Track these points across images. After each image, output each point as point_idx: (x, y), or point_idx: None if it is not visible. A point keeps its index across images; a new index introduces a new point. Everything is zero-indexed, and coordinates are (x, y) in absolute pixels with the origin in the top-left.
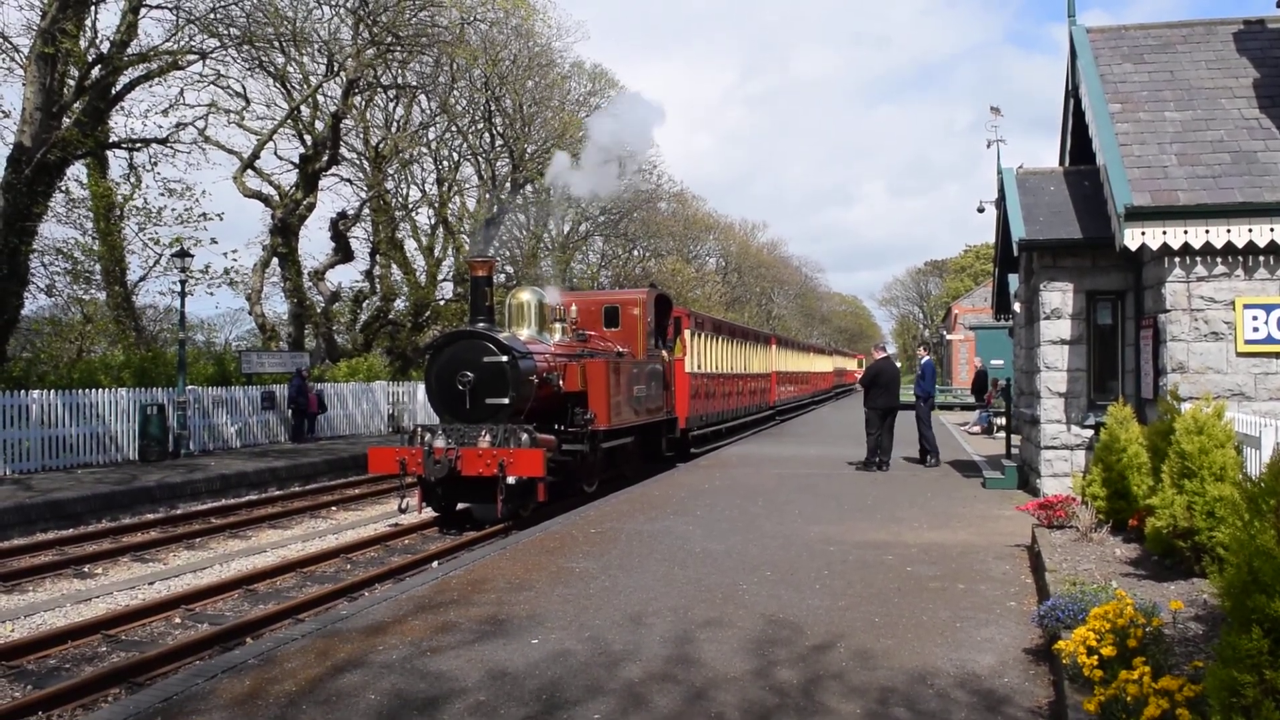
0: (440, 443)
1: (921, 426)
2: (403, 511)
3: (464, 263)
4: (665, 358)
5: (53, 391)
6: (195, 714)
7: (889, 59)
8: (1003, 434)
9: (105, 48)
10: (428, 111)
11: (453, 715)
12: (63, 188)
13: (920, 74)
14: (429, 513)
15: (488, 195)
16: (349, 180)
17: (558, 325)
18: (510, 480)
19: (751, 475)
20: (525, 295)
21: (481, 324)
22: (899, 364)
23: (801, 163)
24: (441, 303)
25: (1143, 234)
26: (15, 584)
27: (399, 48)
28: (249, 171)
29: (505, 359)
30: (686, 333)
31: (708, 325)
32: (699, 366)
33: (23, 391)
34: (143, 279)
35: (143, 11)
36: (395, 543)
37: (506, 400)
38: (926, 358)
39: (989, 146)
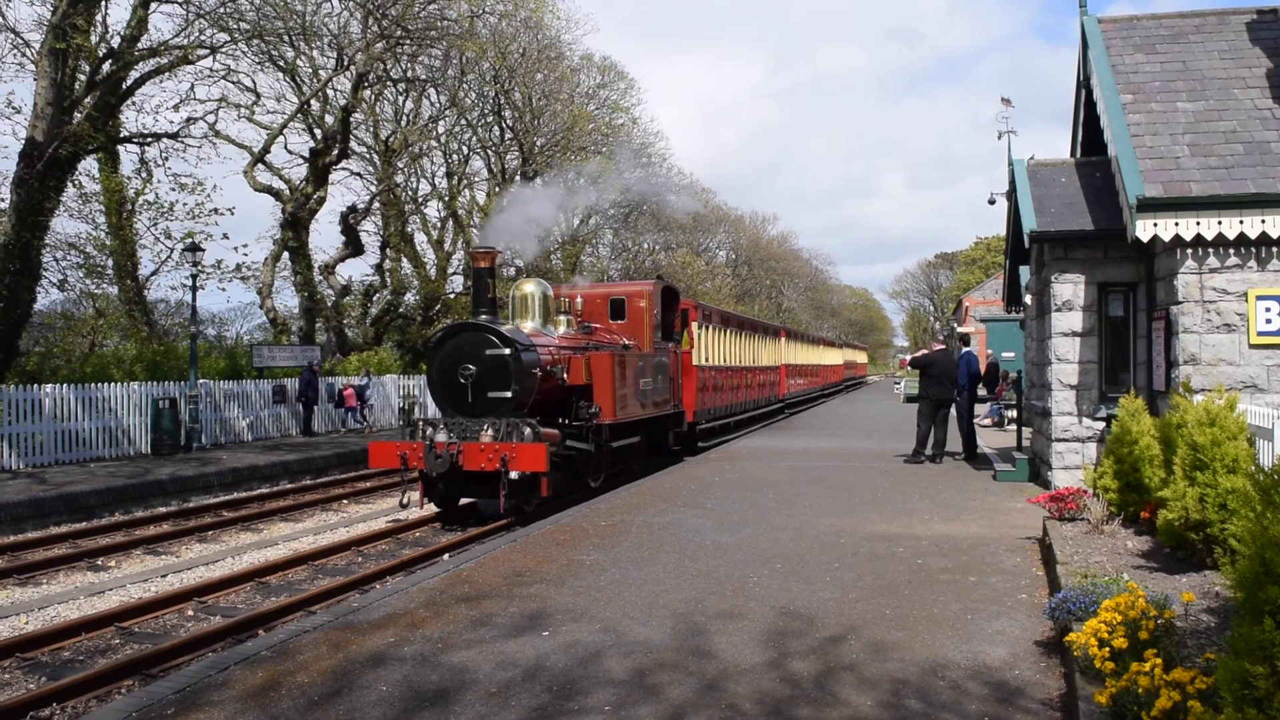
0: (441, 437)
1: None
2: (404, 507)
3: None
4: (673, 350)
5: (65, 385)
6: (210, 705)
7: (915, 53)
8: (1013, 426)
9: (116, 43)
10: (437, 105)
11: (466, 705)
12: (74, 182)
13: (945, 67)
14: (431, 508)
15: (497, 188)
16: (359, 174)
17: (562, 317)
18: (513, 475)
19: (761, 468)
20: (529, 287)
21: (484, 316)
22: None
23: (825, 157)
24: (452, 296)
25: (1154, 225)
26: (29, 576)
27: (408, 41)
28: (259, 166)
29: (508, 352)
30: (694, 325)
31: (715, 318)
32: (707, 359)
33: (36, 385)
34: (154, 273)
35: (153, 6)
36: (406, 536)
37: (509, 394)
38: (964, 349)
39: (999, 138)
